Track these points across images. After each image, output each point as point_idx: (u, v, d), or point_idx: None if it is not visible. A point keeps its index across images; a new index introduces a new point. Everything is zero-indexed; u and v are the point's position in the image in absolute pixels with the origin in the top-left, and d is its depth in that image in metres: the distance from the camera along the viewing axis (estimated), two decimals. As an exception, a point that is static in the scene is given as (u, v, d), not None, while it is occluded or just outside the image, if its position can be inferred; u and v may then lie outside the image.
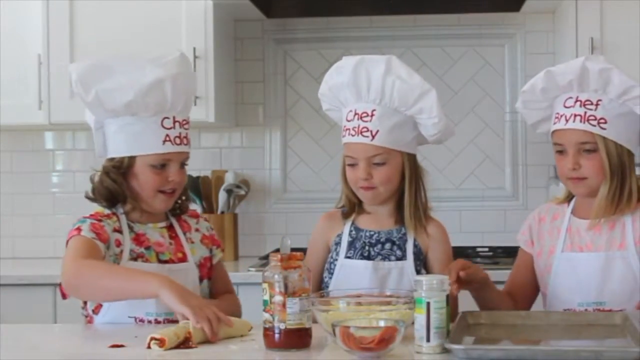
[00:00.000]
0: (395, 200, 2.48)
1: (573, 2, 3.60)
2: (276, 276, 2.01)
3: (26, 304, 3.48)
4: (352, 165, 2.44)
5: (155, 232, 2.44)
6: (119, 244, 2.37)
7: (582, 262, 2.40)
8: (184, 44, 3.66)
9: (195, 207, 3.57)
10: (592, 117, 2.35)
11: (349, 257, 2.47)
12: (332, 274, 2.48)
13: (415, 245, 2.47)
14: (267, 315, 2.01)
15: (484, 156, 4.09)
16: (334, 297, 2.22)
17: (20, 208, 4.16)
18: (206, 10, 3.73)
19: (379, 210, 2.50)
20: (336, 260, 2.48)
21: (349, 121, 2.44)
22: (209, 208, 3.94)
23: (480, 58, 4.09)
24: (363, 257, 2.46)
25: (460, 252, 3.26)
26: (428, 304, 1.94)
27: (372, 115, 2.40)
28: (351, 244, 2.48)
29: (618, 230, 2.40)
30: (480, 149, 4.09)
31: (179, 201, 2.51)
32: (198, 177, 3.94)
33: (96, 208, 2.43)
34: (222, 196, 3.96)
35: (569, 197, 2.51)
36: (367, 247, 2.47)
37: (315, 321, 2.08)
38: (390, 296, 2.23)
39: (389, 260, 2.45)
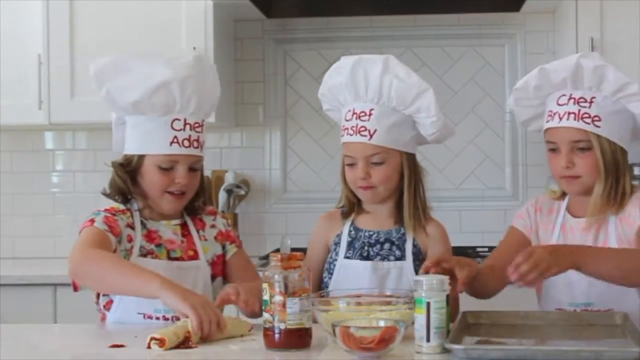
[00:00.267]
0: (394, 200, 2.48)
1: (573, 2, 3.60)
2: (276, 276, 2.00)
3: (26, 304, 3.48)
4: (350, 164, 2.44)
5: (168, 230, 2.44)
6: (130, 239, 2.37)
7: None
8: (184, 44, 3.66)
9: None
10: (586, 115, 2.33)
11: (348, 257, 2.47)
12: (331, 274, 2.48)
13: (414, 245, 2.47)
14: (267, 315, 2.01)
15: (484, 156, 4.09)
16: (334, 297, 2.22)
17: (20, 208, 4.15)
18: (206, 10, 3.73)
19: (379, 210, 2.50)
20: (335, 260, 2.48)
21: (347, 121, 2.44)
22: (209, 208, 3.95)
23: (480, 58, 4.10)
24: (362, 257, 2.46)
25: (460, 252, 3.25)
26: (428, 304, 1.94)
27: (370, 115, 2.40)
28: (350, 244, 2.48)
29: (603, 231, 2.37)
30: (480, 149, 4.09)
31: (196, 204, 2.49)
32: (198, 177, 3.94)
33: (104, 205, 2.43)
34: (222, 196, 3.96)
35: (564, 193, 2.48)
36: (366, 247, 2.47)
37: (315, 321, 2.07)
38: (390, 296, 2.22)
39: (388, 260, 2.45)
